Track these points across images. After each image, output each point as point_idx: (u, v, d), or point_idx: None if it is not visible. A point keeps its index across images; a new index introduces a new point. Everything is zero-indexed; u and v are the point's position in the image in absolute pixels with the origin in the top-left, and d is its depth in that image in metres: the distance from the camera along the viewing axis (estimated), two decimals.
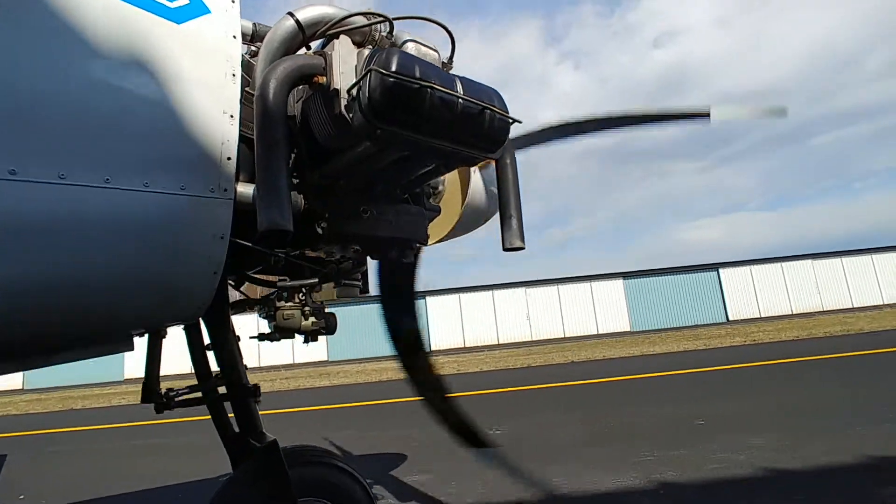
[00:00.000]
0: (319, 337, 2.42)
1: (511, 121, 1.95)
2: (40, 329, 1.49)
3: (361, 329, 29.12)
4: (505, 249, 2.35)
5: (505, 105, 1.92)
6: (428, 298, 31.67)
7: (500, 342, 30.93)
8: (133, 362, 27.36)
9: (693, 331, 26.39)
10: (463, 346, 30.82)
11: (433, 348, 30.19)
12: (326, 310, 2.39)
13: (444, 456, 5.30)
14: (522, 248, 2.33)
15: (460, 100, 1.75)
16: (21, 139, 1.31)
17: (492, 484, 4.22)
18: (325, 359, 28.53)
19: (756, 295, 32.18)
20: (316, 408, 10.28)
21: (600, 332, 31.65)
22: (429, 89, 1.66)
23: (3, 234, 1.28)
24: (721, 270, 32.80)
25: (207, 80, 1.68)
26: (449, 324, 31.56)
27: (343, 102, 1.73)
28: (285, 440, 2.20)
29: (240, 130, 1.77)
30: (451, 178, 2.93)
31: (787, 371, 9.70)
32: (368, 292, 3.03)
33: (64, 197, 1.36)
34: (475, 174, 2.97)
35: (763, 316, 31.21)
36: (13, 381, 26.82)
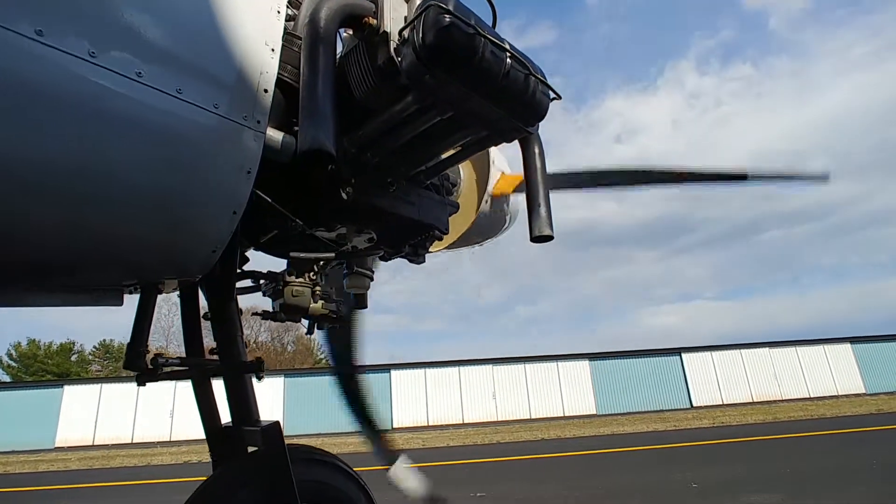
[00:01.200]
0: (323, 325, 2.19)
1: (552, 95, 1.91)
2: (21, 235, 1.23)
3: (319, 402, 27.56)
4: (533, 239, 2.23)
5: (547, 78, 1.89)
6: (392, 372, 30.51)
7: (466, 421, 29.66)
8: (67, 428, 24.71)
9: (659, 414, 26.08)
10: (427, 423, 29.37)
11: (395, 425, 28.64)
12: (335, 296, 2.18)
13: None
14: (552, 238, 2.22)
15: (509, 59, 1.71)
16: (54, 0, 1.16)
17: None
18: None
19: (718, 380, 32.43)
20: None
21: (567, 413, 30.87)
22: (482, 38, 1.61)
23: (9, 100, 1.09)
24: (683, 355, 33.14)
25: (253, 8, 1.60)
26: (413, 399, 30.26)
27: (393, 46, 1.67)
28: None
29: (278, 71, 1.66)
30: (467, 181, 2.86)
31: (759, 447, 9.54)
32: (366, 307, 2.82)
33: (89, 78, 1.20)
34: (493, 180, 2.90)
35: (726, 402, 31.26)
36: None
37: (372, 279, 2.45)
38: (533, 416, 30.43)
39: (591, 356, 33.30)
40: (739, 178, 2.86)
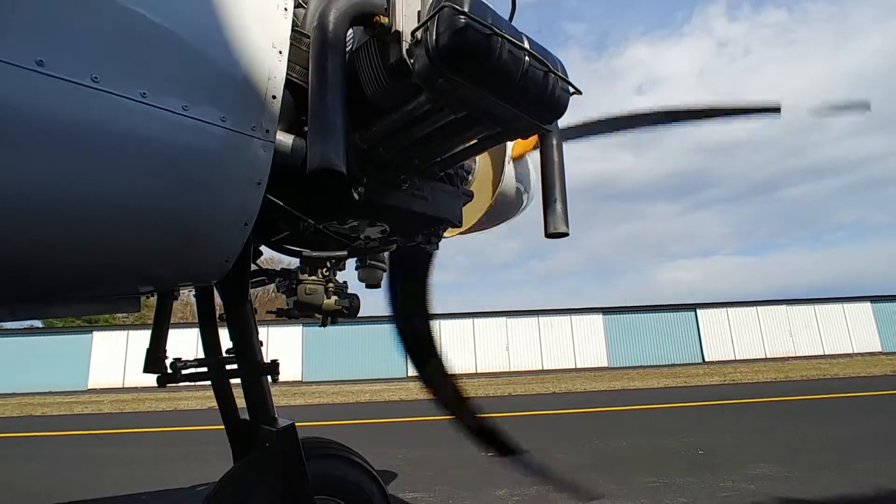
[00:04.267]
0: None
1: (573, 90, 1.82)
2: (40, 257, 1.25)
3: (337, 349, 28.46)
4: (548, 235, 2.20)
5: (567, 73, 1.80)
6: None
7: (479, 371, 30.47)
8: (97, 371, 26.09)
9: (671, 369, 26.38)
10: None
11: (409, 374, 29.56)
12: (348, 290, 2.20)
13: (436, 475, 5.01)
14: (567, 234, 2.18)
15: (527, 57, 1.62)
16: (52, 27, 1.11)
17: (491, 503, 3.96)
18: (300, 378, 27.60)
19: (732, 337, 32.53)
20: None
21: (579, 365, 31.47)
22: (499, 38, 1.53)
23: (18, 132, 1.07)
24: (699, 311, 33.16)
25: (258, 9, 1.52)
26: None
27: (405, 46, 1.59)
28: None
29: (287, 73, 1.61)
30: (483, 166, 2.80)
31: (768, 409, 9.64)
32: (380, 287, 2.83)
33: (94, 103, 1.17)
34: (509, 165, 2.83)
35: (738, 358, 31.48)
36: None
37: (385, 271, 2.45)
38: (545, 368, 31.12)
39: (605, 310, 33.51)
40: (773, 110, 2.82)
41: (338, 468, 1.96)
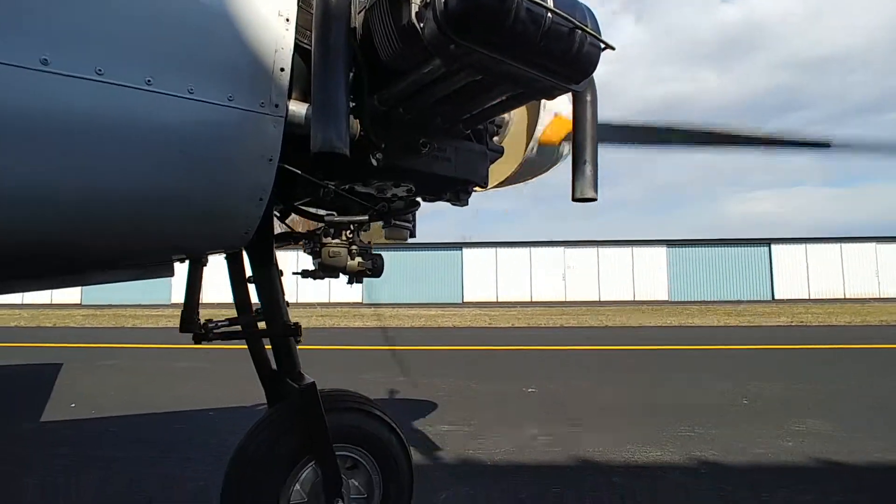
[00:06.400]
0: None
1: (604, 46, 1.66)
2: (72, 243, 1.39)
3: (397, 274, 29.56)
4: (575, 199, 2.12)
5: (598, 25, 1.63)
6: (464, 250, 31.69)
7: (534, 300, 30.83)
8: (179, 288, 28.85)
9: (735, 306, 25.43)
10: (496, 300, 30.90)
11: (466, 300, 30.43)
12: (373, 251, 2.25)
13: (474, 408, 5.28)
14: (594, 199, 2.09)
15: (549, 14, 1.48)
16: (55, 25, 1.14)
17: (522, 440, 4.16)
18: (360, 300, 29.16)
19: (808, 275, 30.67)
20: (347, 347, 10.49)
21: (637, 298, 31.05)
22: None
23: (32, 133, 1.14)
24: (773, 246, 31.28)
25: None
26: (483, 277, 31.62)
27: (413, 9, 1.50)
28: (314, 378, 2.08)
29: (295, 39, 1.57)
30: (517, 115, 2.67)
31: (837, 357, 9.19)
32: (414, 237, 2.87)
33: (101, 96, 1.21)
34: (543, 116, 2.68)
35: (813, 298, 29.80)
36: (72, 296, 28.87)
37: (410, 231, 2.47)
38: (603, 299, 30.96)
39: (669, 242, 32.32)
40: (822, 145, 2.54)
41: (357, 420, 2.11)
